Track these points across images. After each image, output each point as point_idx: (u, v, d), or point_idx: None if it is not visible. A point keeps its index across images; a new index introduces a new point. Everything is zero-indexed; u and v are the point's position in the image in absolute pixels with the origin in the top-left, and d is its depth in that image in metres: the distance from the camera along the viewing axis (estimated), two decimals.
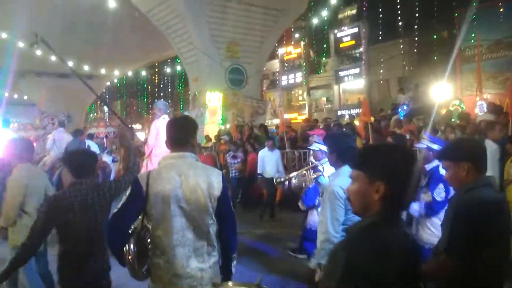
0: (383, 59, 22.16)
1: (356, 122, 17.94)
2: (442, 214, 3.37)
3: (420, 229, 3.92)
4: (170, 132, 2.49)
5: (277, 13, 14.37)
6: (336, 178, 2.93)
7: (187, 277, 2.27)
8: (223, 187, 2.38)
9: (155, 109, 6.61)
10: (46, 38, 16.98)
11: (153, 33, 16.13)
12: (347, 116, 22.55)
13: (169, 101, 30.60)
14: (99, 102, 30.36)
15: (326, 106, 26.12)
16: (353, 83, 24.21)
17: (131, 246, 2.31)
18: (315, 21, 19.75)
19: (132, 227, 2.37)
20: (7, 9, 12.79)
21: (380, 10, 20.89)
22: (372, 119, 9.10)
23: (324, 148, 4.56)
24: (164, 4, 13.21)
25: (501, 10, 17.44)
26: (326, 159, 4.05)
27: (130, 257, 2.30)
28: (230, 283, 2.02)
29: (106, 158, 10.45)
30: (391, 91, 22.55)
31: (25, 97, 25.13)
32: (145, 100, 31.39)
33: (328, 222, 2.77)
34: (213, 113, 13.90)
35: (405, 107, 11.09)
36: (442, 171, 3.34)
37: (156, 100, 8.68)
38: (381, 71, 22.43)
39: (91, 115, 30.81)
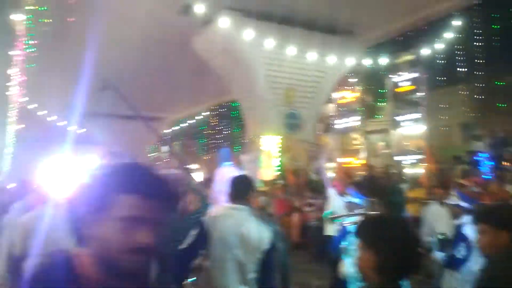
0: (444, 104, 21.56)
1: (414, 170, 17.39)
2: (465, 271, 3.52)
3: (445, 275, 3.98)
4: (232, 187, 2.94)
5: (334, 59, 14.55)
6: None
7: None
8: (272, 242, 2.71)
9: (219, 157, 7.00)
10: (115, 83, 18.33)
11: (213, 78, 16.85)
12: (404, 162, 21.95)
13: (226, 142, 31.36)
14: (158, 143, 31.73)
15: (383, 151, 25.52)
16: (412, 128, 23.63)
17: (192, 280, 2.75)
18: (370, 65, 19.80)
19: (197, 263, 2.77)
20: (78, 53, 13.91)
21: (440, 53, 20.58)
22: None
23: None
24: (225, 53, 13.81)
25: None
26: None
27: None
28: None
29: None
30: (453, 137, 21.73)
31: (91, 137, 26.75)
32: (203, 141, 32.41)
33: None
34: (269, 157, 14.00)
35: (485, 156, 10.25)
36: (468, 230, 3.42)
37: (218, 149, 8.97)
38: (442, 117, 21.77)
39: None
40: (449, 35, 15.33)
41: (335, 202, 6.99)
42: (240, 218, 2.78)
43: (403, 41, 19.76)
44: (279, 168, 14.02)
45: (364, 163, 13.61)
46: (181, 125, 29.21)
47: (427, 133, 22.74)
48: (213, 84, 18.49)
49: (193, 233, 2.75)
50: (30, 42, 16.57)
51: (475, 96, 20.28)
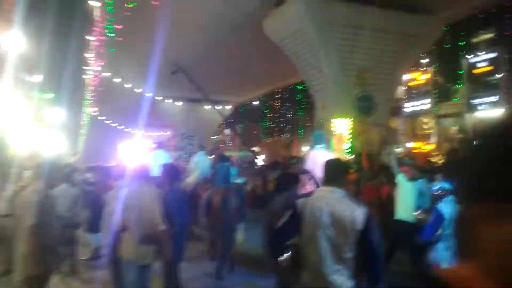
0: None
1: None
2: None
3: None
4: (325, 170, 3.06)
5: (412, 38, 13.83)
6: None
7: None
8: (367, 223, 2.76)
9: (312, 139, 7.07)
10: (184, 66, 18.72)
11: (279, 61, 16.70)
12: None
13: (288, 126, 31.22)
14: (222, 125, 32.29)
15: (457, 135, 24.20)
16: (489, 112, 22.15)
17: (286, 256, 2.88)
18: (444, 45, 18.65)
19: (291, 241, 2.91)
20: (153, 37, 14.26)
21: None
22: None
23: None
24: (296, 34, 13.57)
25: None
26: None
27: (284, 264, 2.89)
28: None
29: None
30: None
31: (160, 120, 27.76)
32: (265, 124, 32.48)
33: None
34: (340, 141, 13.68)
35: None
36: None
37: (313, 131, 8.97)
38: None
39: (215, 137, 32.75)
40: None
41: (404, 187, 6.77)
42: (333, 199, 2.88)
43: (484, 19, 18.41)
44: (351, 152, 13.69)
45: (449, 148, 12.85)
46: (245, 108, 29.43)
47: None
48: (279, 67, 18.36)
49: (287, 213, 2.98)
50: (111, 27, 17.27)
51: None
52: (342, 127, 13.79)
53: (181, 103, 24.38)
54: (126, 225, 4.54)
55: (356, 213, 2.80)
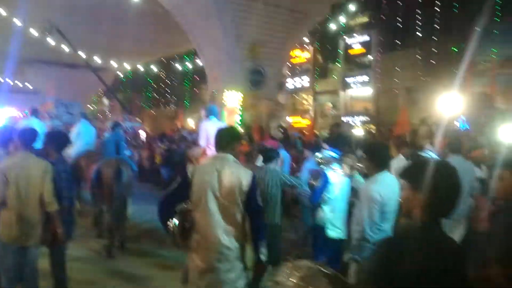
0: (392, 69, 22.21)
1: (359, 130, 17.97)
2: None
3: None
4: (217, 138, 3.19)
5: (301, 16, 14.27)
6: (373, 184, 3.25)
7: (217, 252, 2.85)
8: (252, 185, 2.94)
9: (205, 112, 7.28)
10: (59, 26, 16.75)
11: (169, 28, 15.95)
12: (351, 123, 22.68)
13: (174, 97, 30.39)
14: (102, 94, 30.08)
15: (332, 112, 26.12)
16: (360, 90, 24.25)
17: (176, 222, 2.94)
18: (325, 26, 19.74)
19: (180, 207, 2.97)
20: None
21: (391, 19, 21.00)
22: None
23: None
24: (190, 2, 13.02)
25: None
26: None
27: (174, 230, 2.94)
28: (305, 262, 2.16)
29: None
30: (399, 101, 22.59)
31: (30, 86, 24.76)
32: (149, 95, 31.13)
33: (365, 223, 3.15)
34: (231, 113, 13.73)
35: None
36: None
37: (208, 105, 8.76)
38: (390, 80, 22.47)
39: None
40: None
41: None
42: (223, 164, 3.00)
43: (363, 3, 19.84)
44: (241, 124, 13.84)
45: (332, 123, 13.70)
46: (128, 76, 27.75)
47: (374, 96, 23.51)
48: (168, 35, 17.56)
49: (178, 180, 3.11)
50: None
51: (424, 61, 21.04)
52: (233, 99, 13.83)
53: (55, 67, 21.91)
54: (4, 201, 3.91)
55: (244, 176, 2.96)
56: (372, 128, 19.39)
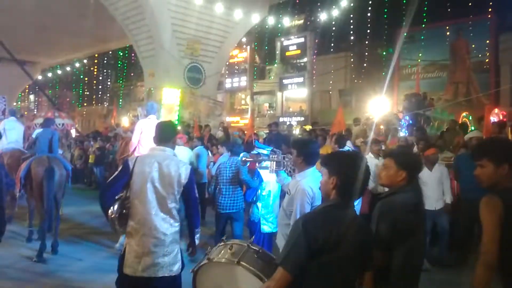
0: (326, 71, 23.02)
1: (297, 130, 18.45)
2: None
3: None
4: (157, 131, 3.33)
5: (240, 15, 14.35)
6: (304, 178, 3.41)
7: (153, 237, 3.04)
8: (190, 178, 3.17)
9: (142, 110, 7.09)
10: None
11: (102, 22, 15.31)
12: (288, 123, 23.21)
13: (108, 95, 29.19)
14: (27, 90, 28.13)
15: (269, 112, 26.56)
16: (296, 91, 24.88)
17: (115, 208, 3.06)
18: (263, 27, 20.06)
19: (119, 195, 3.12)
20: None
21: (325, 23, 21.76)
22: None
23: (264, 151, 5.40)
24: None
25: (447, 33, 18.80)
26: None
27: (112, 216, 3.05)
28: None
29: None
30: (332, 102, 23.47)
31: None
32: (80, 91, 29.59)
33: (297, 216, 3.25)
34: (169, 111, 13.48)
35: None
36: None
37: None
38: (324, 82, 23.27)
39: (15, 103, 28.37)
40: (343, 3, 16.14)
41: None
42: (163, 156, 3.17)
43: (299, 4, 20.33)
44: (179, 122, 13.64)
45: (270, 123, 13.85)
46: (58, 72, 26.20)
47: (309, 97, 24.25)
48: (101, 28, 16.86)
49: (119, 169, 3.29)
50: None
51: (356, 64, 22.01)
52: (171, 97, 13.59)
53: None
54: None
55: (182, 169, 3.16)
56: (307, 128, 19.93)
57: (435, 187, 5.70)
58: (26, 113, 25.14)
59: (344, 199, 2.14)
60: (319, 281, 2.02)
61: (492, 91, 15.45)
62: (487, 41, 17.89)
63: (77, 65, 24.09)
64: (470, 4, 16.88)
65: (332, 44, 22.25)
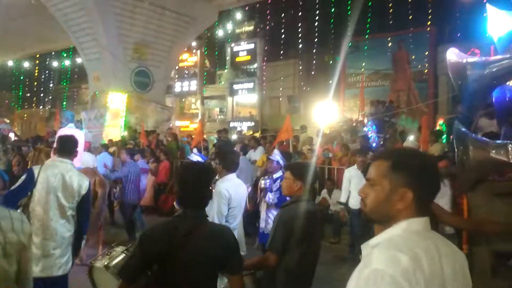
0: (276, 77, 23.34)
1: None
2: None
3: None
4: (58, 144, 3.56)
5: (189, 20, 14.23)
6: (222, 183, 3.74)
7: (53, 241, 3.36)
8: (88, 189, 3.53)
9: (63, 118, 7.13)
10: None
11: (44, 22, 14.65)
12: (238, 128, 23.29)
13: (50, 97, 27.87)
14: None
15: (219, 117, 26.50)
16: (246, 97, 25.03)
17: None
18: (213, 32, 20.06)
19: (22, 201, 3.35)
20: None
21: (275, 29, 22.10)
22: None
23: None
24: None
25: (389, 43, 19.61)
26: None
27: None
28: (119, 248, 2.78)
29: None
30: (281, 108, 23.80)
31: None
32: (20, 93, 28.01)
33: (214, 218, 3.56)
34: (115, 116, 13.09)
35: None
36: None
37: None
38: (273, 88, 23.58)
39: None
40: (292, 11, 16.45)
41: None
42: (64, 168, 3.44)
43: (249, 11, 20.50)
44: (125, 128, 13.29)
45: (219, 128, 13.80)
46: None
47: (259, 103, 24.47)
48: (42, 28, 16.12)
49: (22, 178, 3.43)
50: None
51: (304, 71, 22.48)
52: (117, 101, 13.22)
53: None
54: None
55: (83, 181, 3.49)
56: (256, 134, 20.09)
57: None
58: None
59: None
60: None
61: (431, 102, 16.28)
62: (426, 53, 18.87)
63: (17, 65, 22.85)
64: (410, 17, 17.75)
65: (282, 51, 22.62)
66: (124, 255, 2.65)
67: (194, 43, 25.45)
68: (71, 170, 3.48)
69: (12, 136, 15.83)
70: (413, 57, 19.28)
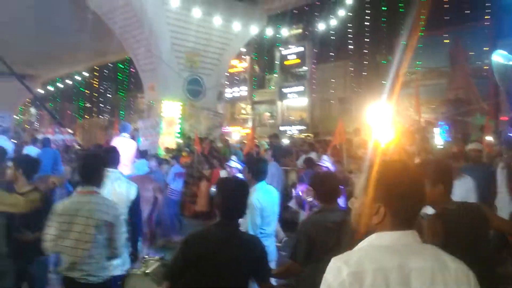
0: (326, 79, 23.05)
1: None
2: None
3: None
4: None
5: (238, 26, 14.39)
6: (253, 192, 3.58)
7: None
8: (137, 194, 3.77)
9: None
10: None
11: (100, 35, 15.35)
12: (289, 132, 23.21)
13: (108, 106, 29.25)
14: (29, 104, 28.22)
15: (269, 121, 26.54)
16: (296, 100, 24.90)
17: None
18: (262, 36, 20.12)
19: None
20: None
21: (324, 31, 21.85)
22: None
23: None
24: (125, 8, 12.65)
25: (446, 40, 18.83)
26: None
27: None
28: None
29: None
30: (332, 110, 23.46)
31: None
32: (81, 104, 29.68)
33: (249, 228, 3.55)
34: (170, 124, 13.46)
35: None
36: None
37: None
38: (324, 90, 23.30)
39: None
40: (341, 12, 16.23)
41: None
42: (114, 177, 3.66)
43: (297, 15, 20.44)
44: (180, 135, 13.63)
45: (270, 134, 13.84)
46: (58, 85, 26.28)
47: (310, 106, 24.26)
48: (101, 42, 16.89)
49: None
50: None
51: (356, 72, 22.03)
52: (172, 110, 13.60)
53: None
54: None
55: (130, 188, 3.78)
56: (309, 137, 19.89)
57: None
58: (27, 126, 25.20)
59: (228, 219, 2.45)
60: None
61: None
62: (485, 48, 17.89)
63: (77, 78, 24.14)
64: (467, 11, 16.94)
65: (332, 53, 22.34)
66: (159, 263, 2.87)
67: (243, 49, 25.72)
68: (119, 178, 3.76)
69: (75, 145, 16.71)
70: (471, 53, 18.36)
